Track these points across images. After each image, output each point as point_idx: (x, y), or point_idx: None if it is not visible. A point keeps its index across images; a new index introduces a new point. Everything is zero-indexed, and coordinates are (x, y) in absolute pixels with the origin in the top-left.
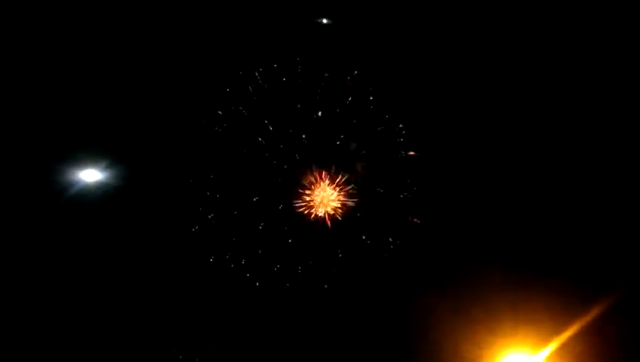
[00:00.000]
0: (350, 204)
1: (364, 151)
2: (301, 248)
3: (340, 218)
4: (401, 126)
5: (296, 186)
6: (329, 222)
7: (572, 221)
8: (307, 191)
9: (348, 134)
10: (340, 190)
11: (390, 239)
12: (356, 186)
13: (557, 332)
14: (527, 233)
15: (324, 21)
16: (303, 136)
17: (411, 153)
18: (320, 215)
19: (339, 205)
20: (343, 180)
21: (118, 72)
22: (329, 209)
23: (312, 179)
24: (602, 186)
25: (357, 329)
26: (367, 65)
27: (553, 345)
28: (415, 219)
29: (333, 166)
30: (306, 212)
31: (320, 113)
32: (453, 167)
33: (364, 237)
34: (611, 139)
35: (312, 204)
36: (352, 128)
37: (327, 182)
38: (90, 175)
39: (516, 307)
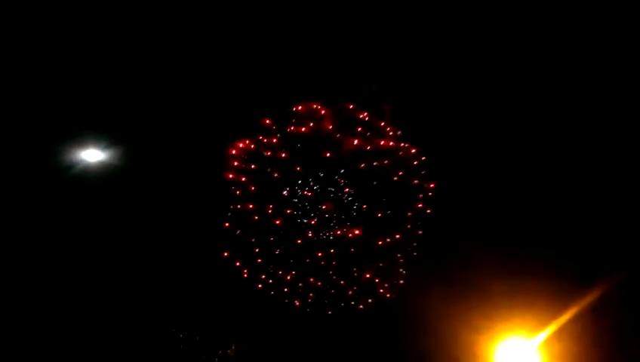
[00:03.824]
0: None
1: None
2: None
3: None
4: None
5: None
6: None
7: (567, 204)
8: None
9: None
10: None
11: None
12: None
13: (554, 316)
14: (522, 217)
15: None
16: None
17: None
18: None
19: None
20: None
21: (120, 52)
22: None
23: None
24: (597, 173)
25: (350, 316)
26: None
27: (550, 328)
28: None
29: None
30: None
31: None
32: (446, 153)
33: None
34: (598, 129)
35: None
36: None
37: None
38: (92, 155)
39: (513, 291)
